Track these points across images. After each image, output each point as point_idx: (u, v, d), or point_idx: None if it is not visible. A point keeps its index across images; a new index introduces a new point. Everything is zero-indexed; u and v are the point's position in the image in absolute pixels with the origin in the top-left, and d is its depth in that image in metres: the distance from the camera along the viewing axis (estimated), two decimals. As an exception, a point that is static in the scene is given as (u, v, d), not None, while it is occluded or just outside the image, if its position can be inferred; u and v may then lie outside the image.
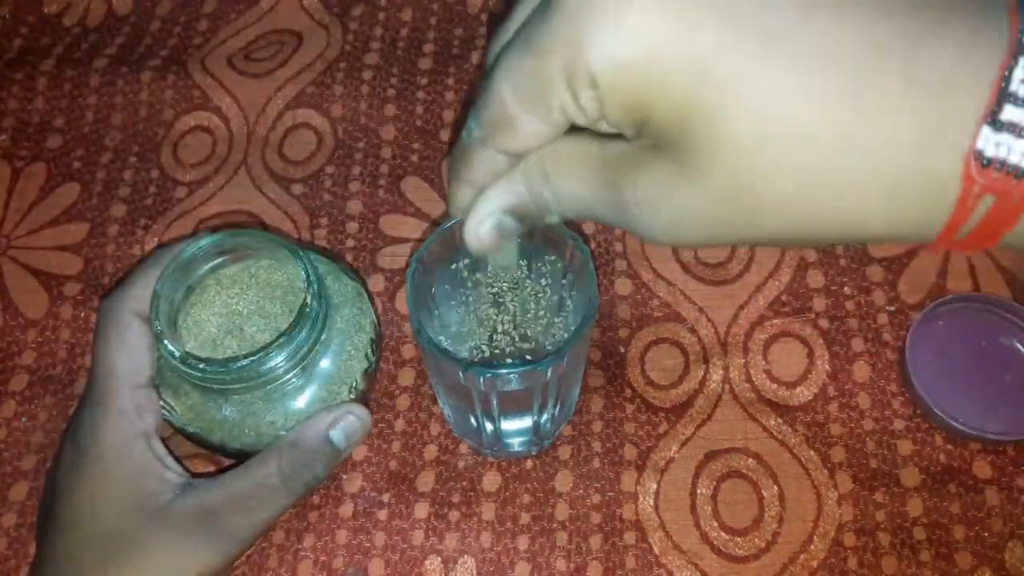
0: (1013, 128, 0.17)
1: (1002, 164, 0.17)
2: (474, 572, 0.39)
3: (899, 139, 0.18)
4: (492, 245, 0.25)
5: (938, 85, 0.18)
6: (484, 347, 0.36)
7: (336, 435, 0.35)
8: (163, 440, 0.36)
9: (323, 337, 0.36)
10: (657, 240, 0.22)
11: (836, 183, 0.19)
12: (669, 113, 0.20)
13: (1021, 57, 0.17)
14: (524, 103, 0.22)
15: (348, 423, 0.36)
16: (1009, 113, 0.17)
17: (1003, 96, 0.17)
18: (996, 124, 0.17)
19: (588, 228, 0.47)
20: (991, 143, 0.17)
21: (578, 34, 0.20)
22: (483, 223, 0.25)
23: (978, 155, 0.17)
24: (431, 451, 0.41)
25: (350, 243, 0.47)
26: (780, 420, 0.42)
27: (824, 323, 0.44)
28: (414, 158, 0.49)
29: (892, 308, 0.44)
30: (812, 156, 0.19)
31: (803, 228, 0.20)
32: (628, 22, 0.19)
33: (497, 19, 0.55)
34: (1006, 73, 0.17)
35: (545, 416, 0.38)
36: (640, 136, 0.21)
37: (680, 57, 0.19)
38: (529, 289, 0.37)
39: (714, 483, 0.40)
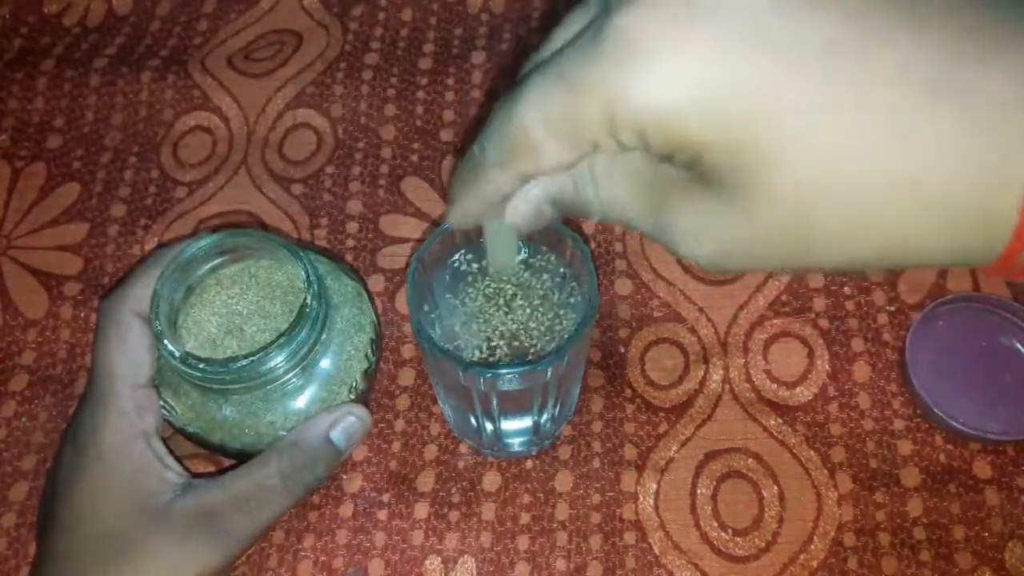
0: None
1: None
2: (474, 572, 0.39)
3: (954, 177, 0.18)
4: (527, 224, 0.25)
5: (993, 122, 0.17)
6: (484, 347, 0.36)
7: (336, 436, 0.35)
8: (163, 440, 0.36)
9: (323, 337, 0.36)
10: (696, 262, 0.22)
11: (889, 219, 0.19)
12: (720, 154, 0.19)
13: None
14: (551, 132, 0.21)
15: (348, 424, 0.36)
16: None
17: None
18: None
19: (588, 228, 0.47)
20: None
21: (624, 77, 0.19)
22: (526, 203, 0.25)
23: None
24: (431, 451, 0.41)
25: (350, 243, 0.47)
26: (780, 420, 0.41)
27: (824, 323, 0.44)
28: (414, 158, 0.49)
29: (892, 308, 0.44)
30: (865, 194, 0.19)
31: (850, 260, 0.20)
32: (682, 66, 0.19)
33: (497, 19, 0.55)
34: None
35: (545, 416, 0.38)
36: (688, 167, 0.21)
37: (735, 101, 0.19)
38: (529, 289, 0.37)
39: (714, 483, 0.40)
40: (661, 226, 0.22)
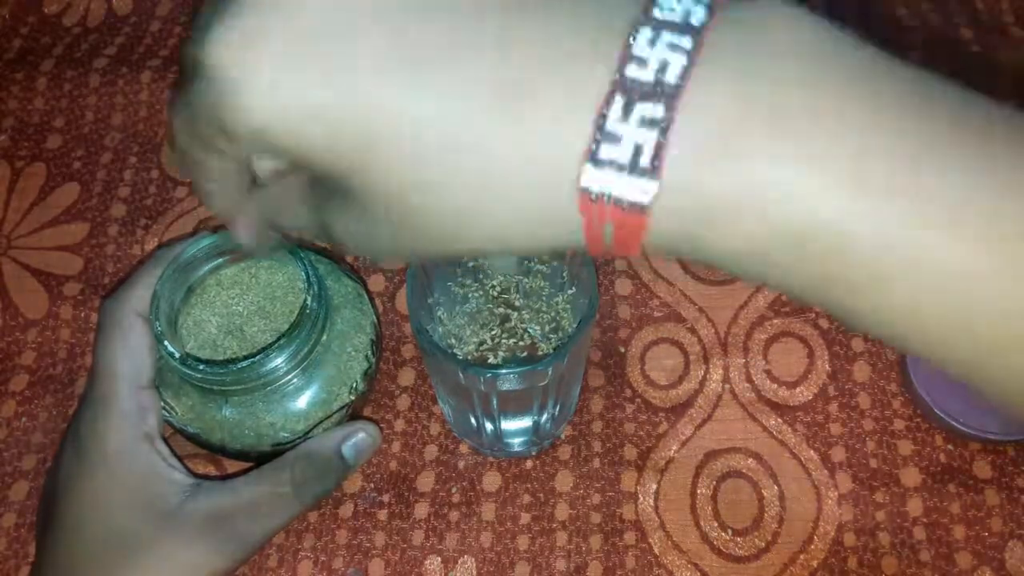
0: (612, 165, 0.18)
1: (608, 198, 0.18)
2: (474, 572, 0.39)
3: (528, 172, 0.19)
4: (257, 244, 0.27)
5: (549, 123, 0.18)
6: (484, 347, 0.36)
7: (348, 450, 0.36)
8: (164, 440, 0.36)
9: (323, 338, 0.36)
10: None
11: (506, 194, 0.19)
12: (336, 166, 0.20)
13: (617, 95, 0.18)
14: (198, 148, 0.22)
15: (360, 440, 0.37)
16: (607, 152, 0.18)
17: (602, 136, 0.18)
18: (597, 163, 0.18)
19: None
20: (595, 180, 0.18)
21: (221, 106, 0.20)
22: (247, 224, 0.26)
23: (585, 191, 0.18)
24: (431, 451, 0.41)
25: (350, 243, 0.47)
26: (780, 420, 0.42)
27: (824, 323, 0.44)
28: (414, 158, 0.49)
29: (892, 308, 0.44)
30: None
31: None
32: (260, 90, 0.19)
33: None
34: (603, 113, 0.18)
35: (545, 416, 0.38)
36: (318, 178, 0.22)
37: (346, 121, 0.19)
38: (529, 289, 0.37)
39: (714, 483, 0.40)
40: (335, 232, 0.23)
